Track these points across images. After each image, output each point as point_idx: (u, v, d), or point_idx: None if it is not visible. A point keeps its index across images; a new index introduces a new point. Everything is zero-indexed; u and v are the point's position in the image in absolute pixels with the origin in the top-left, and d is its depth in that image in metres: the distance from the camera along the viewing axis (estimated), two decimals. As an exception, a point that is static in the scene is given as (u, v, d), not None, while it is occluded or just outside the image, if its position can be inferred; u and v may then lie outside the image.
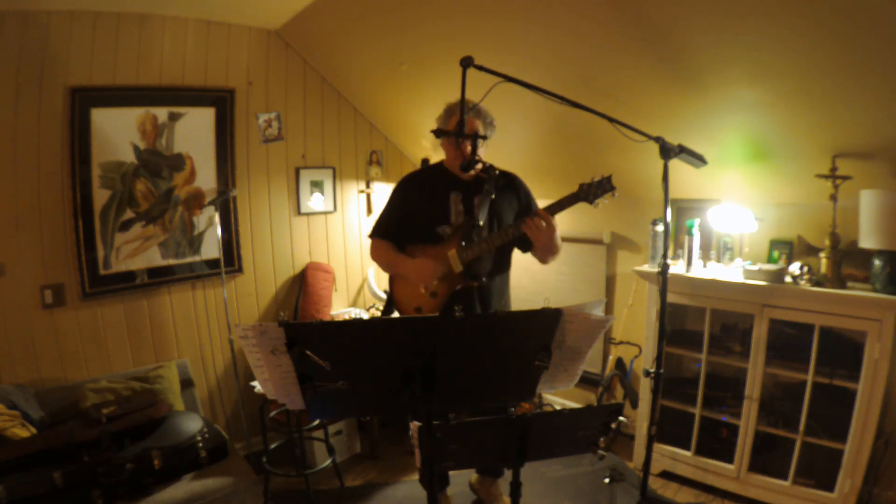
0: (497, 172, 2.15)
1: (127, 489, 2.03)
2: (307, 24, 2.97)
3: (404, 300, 2.18)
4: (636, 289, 3.11)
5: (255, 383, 2.70)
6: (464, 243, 2.02)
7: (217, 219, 2.96)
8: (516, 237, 2.01)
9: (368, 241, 2.31)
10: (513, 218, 2.17)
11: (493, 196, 2.08)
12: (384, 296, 3.52)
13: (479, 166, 2.03)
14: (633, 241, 3.18)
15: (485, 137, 2.08)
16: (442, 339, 1.29)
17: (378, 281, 3.78)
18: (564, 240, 3.39)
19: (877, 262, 2.13)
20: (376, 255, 2.25)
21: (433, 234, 2.10)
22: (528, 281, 3.56)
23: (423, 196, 2.16)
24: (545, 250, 2.05)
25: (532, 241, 1.97)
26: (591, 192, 1.88)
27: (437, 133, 2.07)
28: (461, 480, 2.59)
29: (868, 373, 2.15)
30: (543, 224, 1.89)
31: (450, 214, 2.11)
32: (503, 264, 2.21)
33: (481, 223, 2.04)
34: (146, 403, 2.34)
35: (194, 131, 2.93)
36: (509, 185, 2.19)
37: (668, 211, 1.84)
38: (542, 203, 2.13)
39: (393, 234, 2.21)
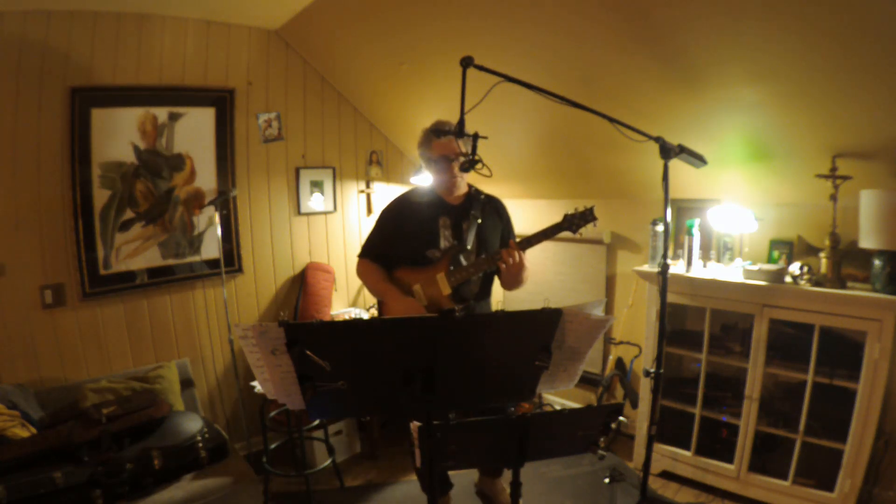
0: (482, 196, 2.26)
1: (127, 489, 2.03)
2: (307, 24, 2.97)
3: None
4: (636, 289, 3.11)
5: (255, 383, 2.70)
6: (452, 267, 2.10)
7: (217, 219, 2.96)
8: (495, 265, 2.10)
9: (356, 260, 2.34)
10: (497, 241, 2.26)
11: (479, 220, 2.18)
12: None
13: (480, 166, 2.04)
14: (633, 241, 3.18)
15: (485, 137, 2.08)
16: (442, 340, 1.29)
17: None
18: (565, 240, 3.40)
19: (877, 262, 2.13)
20: (364, 276, 2.28)
21: (423, 257, 2.16)
22: (528, 281, 3.56)
23: (412, 220, 2.20)
24: (510, 282, 2.15)
25: (500, 270, 2.08)
26: (575, 222, 2.00)
27: (438, 133, 2.08)
28: (458, 481, 2.58)
29: (868, 373, 2.15)
30: (517, 256, 1.99)
31: (438, 239, 2.17)
32: (488, 286, 2.27)
33: (469, 247, 2.14)
34: (146, 403, 2.34)
35: (194, 131, 2.93)
36: (494, 209, 2.28)
37: (668, 211, 1.84)
38: (530, 223, 2.22)
39: (382, 257, 2.26)
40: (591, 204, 2.02)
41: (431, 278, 2.12)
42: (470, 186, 2.29)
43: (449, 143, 2.12)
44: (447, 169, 2.14)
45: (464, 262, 2.11)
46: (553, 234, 2.02)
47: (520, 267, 2.02)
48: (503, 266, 2.02)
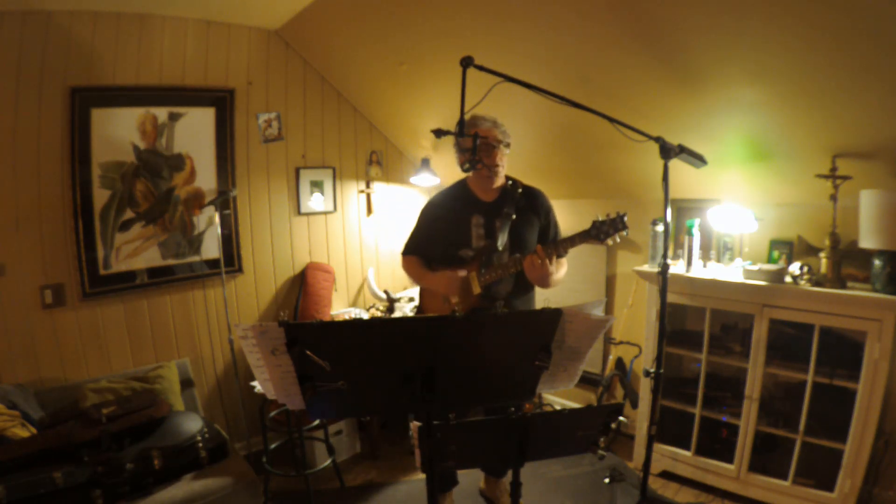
0: (520, 190, 2.20)
1: (127, 489, 2.04)
2: (307, 24, 2.97)
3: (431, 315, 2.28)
4: (636, 289, 3.11)
5: (255, 383, 2.70)
6: (483, 269, 2.10)
7: (217, 219, 2.96)
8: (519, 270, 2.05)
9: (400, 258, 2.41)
10: (534, 239, 2.19)
11: (514, 217, 2.13)
12: (384, 296, 3.53)
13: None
14: (633, 241, 3.18)
15: (485, 137, 2.09)
16: (442, 339, 1.29)
17: (378, 281, 3.78)
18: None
19: (877, 262, 2.13)
20: (407, 270, 2.35)
21: (456, 257, 2.16)
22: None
23: (446, 219, 2.22)
24: (536, 283, 2.09)
25: (526, 276, 2.01)
26: (603, 230, 1.86)
27: (438, 133, 2.08)
28: (461, 481, 2.58)
29: (868, 373, 2.15)
30: (538, 264, 1.91)
31: (471, 238, 2.16)
32: (525, 285, 2.19)
33: (500, 248, 2.10)
34: (146, 403, 2.34)
35: (194, 131, 2.93)
36: (530, 203, 2.21)
37: (668, 211, 1.83)
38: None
39: (421, 252, 2.32)
40: (623, 211, 1.86)
41: (464, 276, 2.12)
42: (507, 179, 2.23)
43: (490, 130, 2.10)
44: (487, 156, 2.10)
45: (494, 262, 2.09)
46: (580, 242, 1.92)
47: (543, 274, 1.93)
48: (525, 269, 1.96)
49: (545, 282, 2.01)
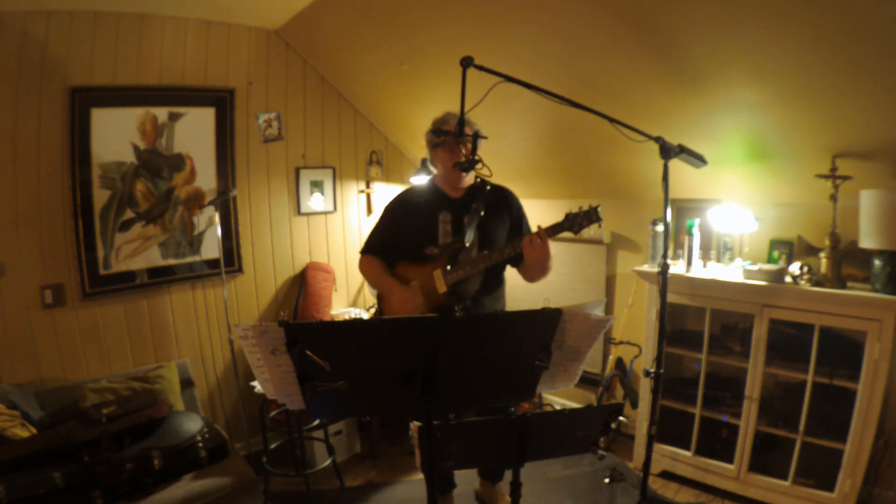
0: (488, 188, 2.17)
1: (127, 489, 2.04)
2: (307, 24, 2.97)
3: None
4: (636, 289, 3.11)
5: (255, 383, 2.70)
6: (449, 266, 2.04)
7: (217, 219, 2.96)
8: (510, 256, 2.02)
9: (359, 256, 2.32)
10: (504, 236, 2.16)
11: (483, 213, 2.09)
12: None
13: (480, 166, 2.03)
14: (633, 241, 3.18)
15: (486, 137, 2.08)
16: (442, 339, 1.29)
17: (378, 281, 3.78)
18: (565, 239, 3.37)
19: (877, 262, 2.13)
20: (365, 270, 2.27)
21: (422, 254, 2.10)
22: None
23: (412, 216, 2.16)
24: (535, 270, 2.06)
25: (525, 258, 1.96)
26: (577, 221, 1.88)
27: (437, 133, 2.07)
28: (460, 482, 2.58)
29: (868, 373, 2.15)
30: (538, 241, 1.89)
31: (438, 235, 2.11)
32: (493, 283, 2.17)
33: (468, 244, 2.06)
34: (146, 403, 2.34)
35: (194, 131, 2.93)
36: (500, 201, 2.18)
37: (668, 211, 1.83)
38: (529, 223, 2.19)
39: (383, 252, 2.22)
40: (595, 203, 1.90)
41: (429, 275, 2.07)
42: (477, 178, 2.19)
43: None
44: (455, 148, 2.05)
45: (461, 259, 2.04)
46: (554, 234, 1.92)
47: (544, 253, 1.89)
48: (525, 252, 1.90)
49: (544, 262, 1.97)
